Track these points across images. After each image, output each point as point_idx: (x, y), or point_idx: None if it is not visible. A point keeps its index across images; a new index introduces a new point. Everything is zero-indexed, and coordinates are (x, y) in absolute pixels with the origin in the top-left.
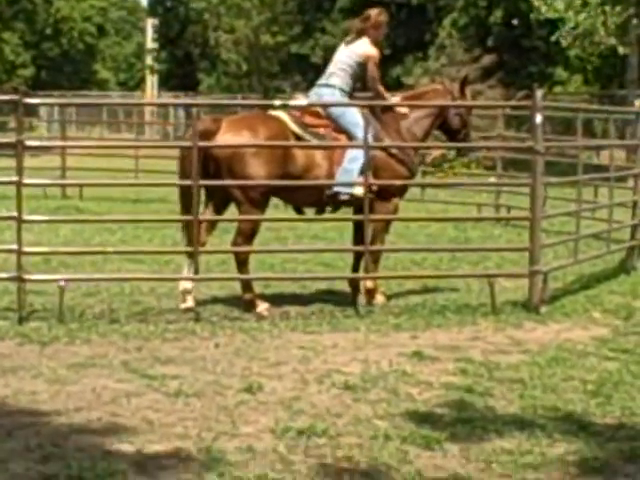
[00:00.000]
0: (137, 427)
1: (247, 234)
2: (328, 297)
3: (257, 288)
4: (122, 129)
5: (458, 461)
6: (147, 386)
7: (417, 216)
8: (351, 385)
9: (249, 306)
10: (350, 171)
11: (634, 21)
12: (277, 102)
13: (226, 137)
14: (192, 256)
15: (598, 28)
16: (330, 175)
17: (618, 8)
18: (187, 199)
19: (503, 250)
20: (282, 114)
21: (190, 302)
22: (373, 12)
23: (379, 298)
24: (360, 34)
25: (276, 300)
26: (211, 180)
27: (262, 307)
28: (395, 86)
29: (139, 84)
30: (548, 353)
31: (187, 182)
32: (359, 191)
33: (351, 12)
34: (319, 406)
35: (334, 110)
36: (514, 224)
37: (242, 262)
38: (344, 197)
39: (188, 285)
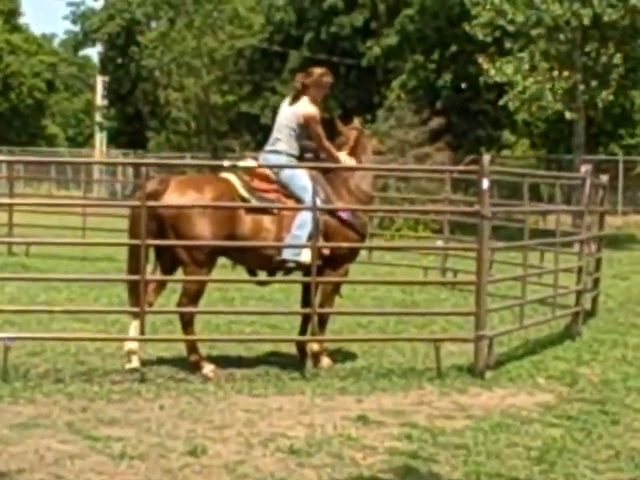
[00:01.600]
0: None
1: (192, 295)
2: (274, 359)
3: (203, 349)
4: (70, 186)
5: None
6: (91, 448)
7: (364, 279)
8: (296, 449)
9: (195, 367)
10: (298, 237)
11: (581, 87)
12: (226, 163)
13: (172, 197)
14: (138, 316)
15: (546, 93)
16: (278, 240)
17: (565, 74)
18: (135, 258)
19: (449, 314)
20: (231, 177)
21: (135, 362)
22: (317, 70)
23: (325, 361)
24: (301, 92)
25: (222, 362)
26: (159, 240)
27: (208, 369)
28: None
29: (88, 140)
30: (493, 419)
31: (135, 242)
32: (306, 257)
33: (301, 72)
34: (263, 470)
35: (283, 175)
36: (460, 288)
37: (187, 323)
38: (291, 265)
39: (133, 345)
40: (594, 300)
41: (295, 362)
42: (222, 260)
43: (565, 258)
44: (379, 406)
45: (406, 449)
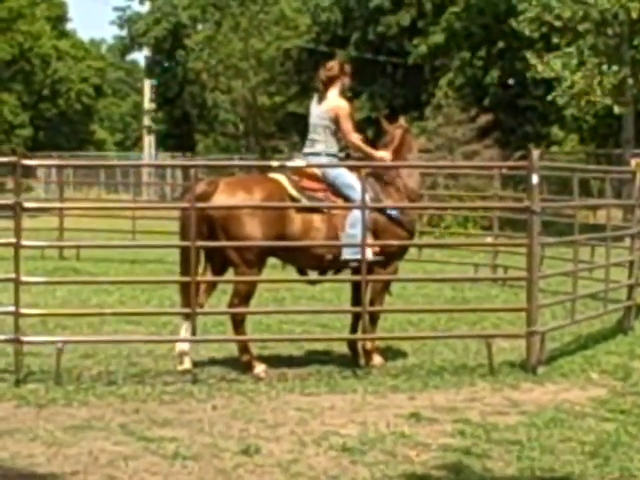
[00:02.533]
0: None
1: (243, 295)
2: (326, 358)
3: (254, 349)
4: (119, 189)
5: None
6: (144, 449)
7: (414, 276)
8: (349, 447)
9: (247, 368)
10: (353, 236)
11: (630, 81)
12: (275, 163)
13: (221, 198)
14: (189, 317)
15: (594, 88)
16: (328, 239)
17: (614, 68)
18: (186, 260)
19: (500, 310)
20: (280, 177)
21: (187, 364)
22: (335, 62)
23: (377, 359)
24: (326, 87)
25: (273, 362)
26: (210, 241)
27: (259, 369)
28: None
29: (136, 144)
30: (546, 414)
31: (184, 243)
32: (369, 255)
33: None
34: (317, 468)
35: (329, 173)
36: (511, 284)
37: (239, 323)
38: (353, 264)
39: (185, 347)
40: None
41: (347, 361)
42: (272, 260)
43: (616, 252)
44: (431, 403)
45: (459, 445)
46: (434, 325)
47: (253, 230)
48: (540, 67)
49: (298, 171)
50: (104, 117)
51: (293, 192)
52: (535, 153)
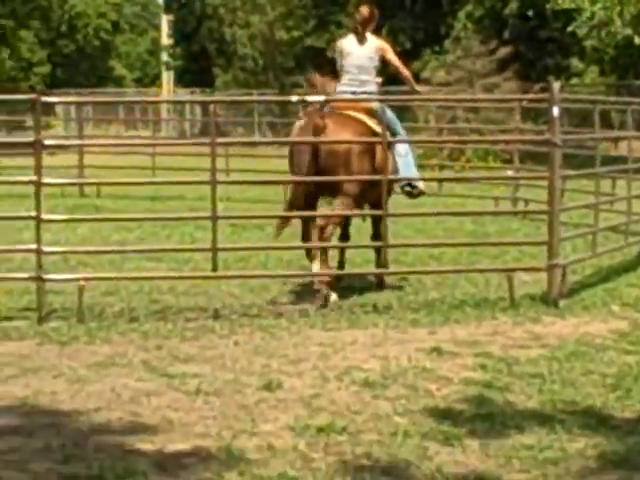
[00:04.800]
0: (157, 426)
1: (338, 223)
2: (347, 293)
3: (275, 285)
4: (138, 126)
5: (478, 457)
6: (167, 385)
7: (435, 210)
8: (370, 382)
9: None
10: (409, 163)
11: None
12: (294, 98)
13: (335, 133)
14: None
15: (614, 19)
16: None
17: None
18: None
19: (522, 244)
20: (360, 115)
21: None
22: (366, 7)
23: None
24: (364, 30)
25: (294, 297)
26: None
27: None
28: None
29: (154, 81)
30: (567, 347)
31: (202, 180)
32: (421, 185)
33: (366, 5)
34: (339, 403)
35: (381, 110)
36: (532, 217)
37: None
38: (416, 191)
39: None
40: None
41: (368, 295)
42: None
43: (637, 185)
44: (453, 337)
45: (481, 379)
46: (455, 259)
47: (367, 163)
48: None
49: (360, 108)
50: (122, 54)
51: (376, 128)
52: (555, 85)
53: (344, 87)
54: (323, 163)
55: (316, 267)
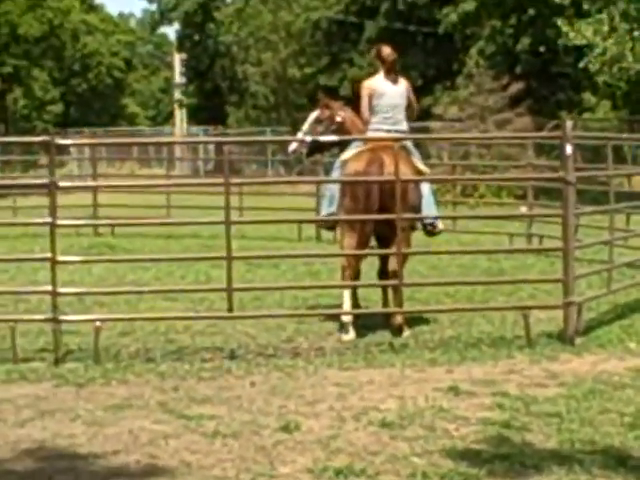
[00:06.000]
0: (175, 469)
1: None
2: (363, 331)
3: (291, 325)
4: (152, 164)
5: None
6: (184, 427)
7: (449, 248)
8: (388, 422)
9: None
10: (431, 203)
11: None
12: (308, 137)
13: (404, 169)
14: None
15: (626, 54)
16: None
17: None
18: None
19: (537, 282)
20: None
21: (352, 334)
22: (388, 48)
23: (407, 332)
24: (395, 68)
25: (310, 336)
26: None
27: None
28: (425, 116)
29: (167, 119)
30: (584, 385)
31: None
32: (440, 225)
33: (378, 42)
34: (357, 444)
35: (411, 149)
36: (547, 253)
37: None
38: (436, 230)
39: (349, 318)
40: None
41: (383, 334)
42: (307, 232)
43: None
44: (470, 376)
45: (498, 419)
46: (470, 296)
47: (418, 197)
48: (571, 34)
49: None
50: (135, 92)
51: (420, 165)
52: (569, 123)
53: (379, 125)
54: (387, 200)
55: (347, 304)
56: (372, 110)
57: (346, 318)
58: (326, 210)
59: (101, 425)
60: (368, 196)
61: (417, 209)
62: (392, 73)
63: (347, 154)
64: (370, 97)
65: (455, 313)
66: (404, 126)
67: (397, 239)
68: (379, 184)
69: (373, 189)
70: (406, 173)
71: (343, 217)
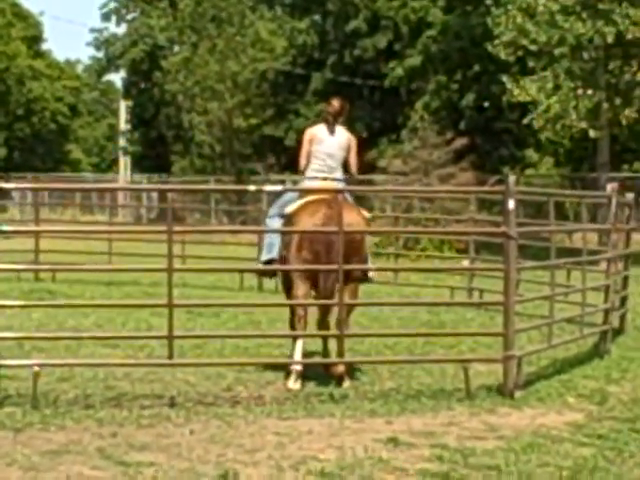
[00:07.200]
0: None
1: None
2: (303, 382)
3: (231, 373)
4: (95, 210)
5: None
6: (123, 473)
7: (390, 300)
8: (327, 472)
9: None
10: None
11: (605, 105)
12: (252, 187)
13: (353, 218)
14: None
15: (570, 112)
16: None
17: (589, 92)
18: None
19: (477, 335)
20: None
21: (299, 384)
22: (337, 100)
23: (348, 382)
24: (335, 121)
25: (250, 385)
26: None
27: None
28: (369, 169)
29: (111, 166)
30: (523, 439)
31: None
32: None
33: (324, 94)
34: None
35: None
36: (487, 307)
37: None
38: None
39: (299, 367)
40: (622, 318)
41: (324, 384)
42: (249, 282)
43: (592, 276)
44: (409, 427)
45: (437, 470)
46: (410, 348)
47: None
48: (516, 91)
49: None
50: (80, 138)
51: (367, 215)
52: (511, 178)
53: (315, 173)
54: (349, 252)
55: (298, 354)
56: (311, 155)
57: (298, 367)
58: (266, 256)
59: (38, 470)
60: (329, 251)
61: (367, 259)
62: (333, 123)
63: (292, 206)
64: (311, 143)
65: (395, 365)
66: (339, 174)
67: (348, 289)
68: (343, 238)
69: (335, 244)
70: (360, 223)
71: (290, 267)
